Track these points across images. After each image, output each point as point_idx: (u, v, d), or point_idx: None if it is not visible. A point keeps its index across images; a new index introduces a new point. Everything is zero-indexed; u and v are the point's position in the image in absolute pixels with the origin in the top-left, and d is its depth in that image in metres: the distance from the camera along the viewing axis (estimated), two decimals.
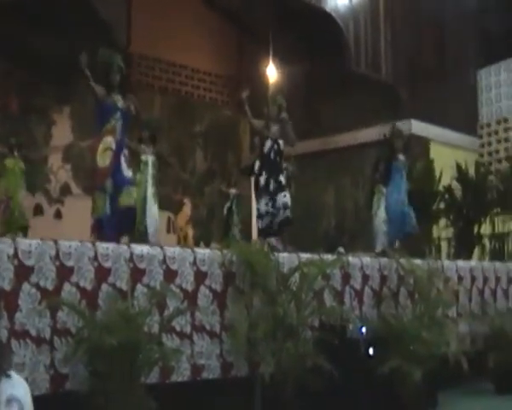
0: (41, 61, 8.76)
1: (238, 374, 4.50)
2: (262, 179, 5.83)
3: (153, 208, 6.24)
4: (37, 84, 9.04)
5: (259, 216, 5.86)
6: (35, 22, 8.79)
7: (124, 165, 4.92)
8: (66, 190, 9.26)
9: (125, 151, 5.03)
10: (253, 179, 6.58)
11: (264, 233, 5.87)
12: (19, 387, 1.18)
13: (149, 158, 6.38)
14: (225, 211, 8.33)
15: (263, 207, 5.80)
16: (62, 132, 9.20)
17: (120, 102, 4.94)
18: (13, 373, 1.18)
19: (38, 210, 9.04)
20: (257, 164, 6.23)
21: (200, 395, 4.28)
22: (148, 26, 10.04)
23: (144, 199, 6.17)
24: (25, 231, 6.66)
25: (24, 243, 3.73)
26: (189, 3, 10.70)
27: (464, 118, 10.58)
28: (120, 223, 4.88)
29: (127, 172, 4.97)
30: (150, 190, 6.25)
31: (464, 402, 5.60)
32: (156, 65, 10.59)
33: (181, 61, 10.83)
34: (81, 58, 4.79)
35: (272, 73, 10.09)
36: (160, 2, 10.16)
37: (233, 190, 8.42)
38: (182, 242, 7.97)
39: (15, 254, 3.65)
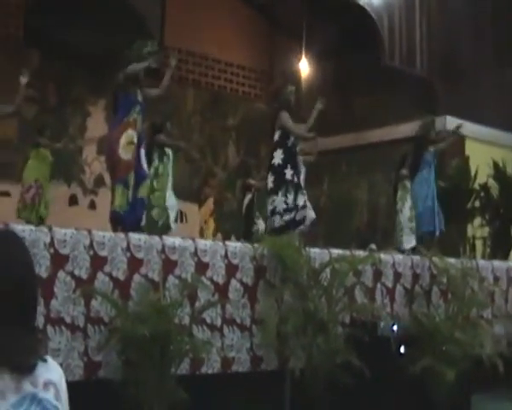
0: (77, 54, 8.89)
1: (268, 368, 4.51)
2: (288, 173, 5.39)
3: (172, 199, 6.32)
4: (73, 77, 9.19)
5: (287, 209, 5.36)
6: (71, 16, 8.92)
7: (143, 159, 4.99)
8: (100, 182, 9.40)
9: (143, 145, 5.11)
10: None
11: (282, 229, 5.33)
12: (54, 371, 1.19)
13: (170, 150, 6.44)
14: (245, 205, 7.97)
15: (291, 202, 5.35)
16: (97, 124, 9.33)
17: (140, 96, 4.98)
18: (48, 358, 1.19)
19: (73, 200, 9.23)
20: (279, 154, 5.44)
21: (230, 388, 4.29)
22: (182, 19, 10.08)
23: (166, 190, 6.23)
24: (41, 222, 6.56)
25: (60, 232, 3.80)
26: None
27: (502, 114, 10.29)
28: (137, 213, 4.98)
29: (145, 166, 5.07)
30: (171, 182, 6.33)
31: (499, 407, 5.45)
32: (189, 58, 10.63)
33: (214, 55, 10.84)
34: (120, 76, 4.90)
35: (305, 67, 10.01)
36: None
37: (254, 182, 7.94)
38: (204, 235, 7.86)
39: (51, 243, 3.72)
